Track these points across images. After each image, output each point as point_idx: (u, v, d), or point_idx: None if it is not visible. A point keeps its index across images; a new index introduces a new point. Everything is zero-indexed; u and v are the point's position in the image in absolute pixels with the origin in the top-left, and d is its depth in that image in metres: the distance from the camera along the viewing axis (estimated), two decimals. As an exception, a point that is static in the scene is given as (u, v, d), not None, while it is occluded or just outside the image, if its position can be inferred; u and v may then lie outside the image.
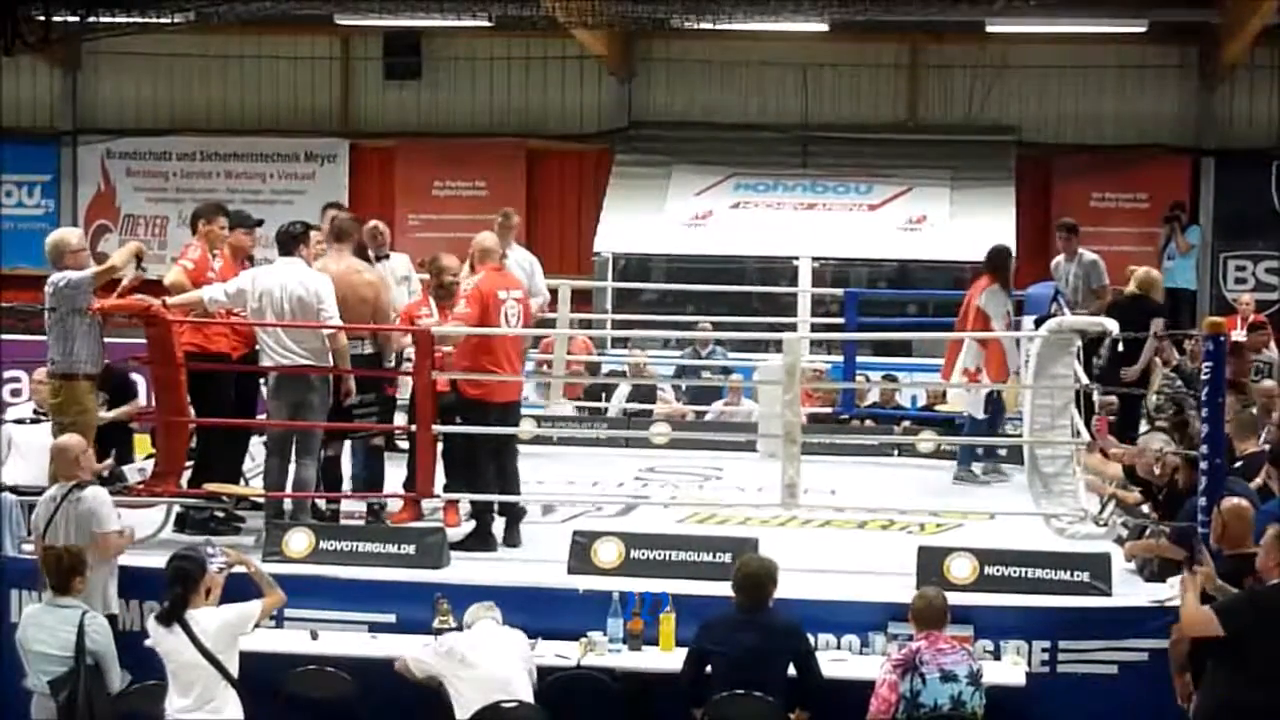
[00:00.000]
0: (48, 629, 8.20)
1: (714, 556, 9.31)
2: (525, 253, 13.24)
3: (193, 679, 7.86)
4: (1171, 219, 19.82)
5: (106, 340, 9.99)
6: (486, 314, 10.23)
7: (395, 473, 10.96)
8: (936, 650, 7.98)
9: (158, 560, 9.05)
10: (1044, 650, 8.76)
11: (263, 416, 10.73)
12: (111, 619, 8.75)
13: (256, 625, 8.33)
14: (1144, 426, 12.59)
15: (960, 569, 9.17)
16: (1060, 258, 14.46)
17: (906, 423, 14.93)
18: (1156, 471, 10.03)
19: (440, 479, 10.70)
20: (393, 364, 11.12)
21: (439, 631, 8.65)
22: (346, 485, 10.95)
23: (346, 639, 9.02)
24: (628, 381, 15.47)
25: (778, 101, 21.49)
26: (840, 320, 15.67)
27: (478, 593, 8.82)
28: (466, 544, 10.04)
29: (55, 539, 8.71)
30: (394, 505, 10.77)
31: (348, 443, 10.94)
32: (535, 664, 8.48)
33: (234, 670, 7.94)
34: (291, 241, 10.26)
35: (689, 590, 8.98)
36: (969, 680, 7.94)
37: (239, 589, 8.45)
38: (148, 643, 8.46)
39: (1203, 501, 8.78)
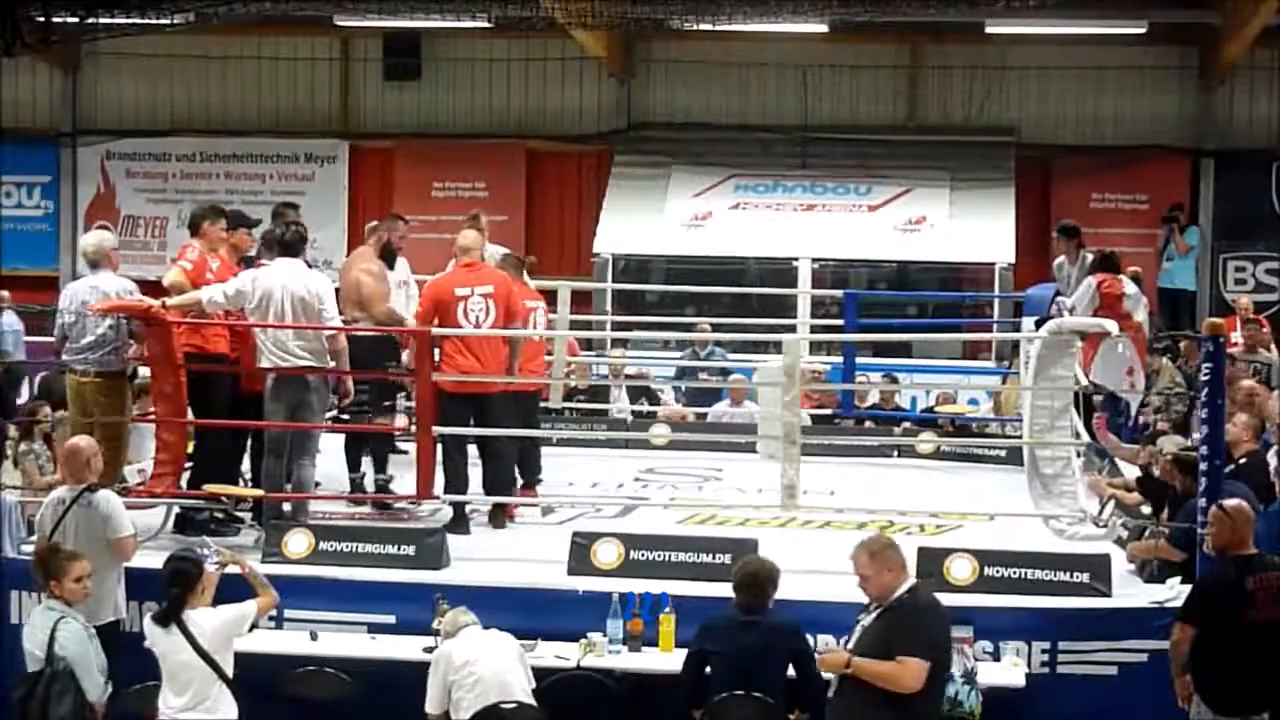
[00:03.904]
0: (37, 629, 8.23)
1: (714, 558, 9.31)
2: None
3: (189, 679, 7.88)
4: (1170, 220, 19.83)
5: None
6: (438, 310, 10.59)
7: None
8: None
9: (158, 561, 9.05)
10: (1044, 651, 8.74)
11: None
12: (116, 624, 8.76)
13: (253, 626, 8.34)
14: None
15: (960, 570, 9.17)
16: (1063, 259, 14.41)
17: (906, 424, 14.92)
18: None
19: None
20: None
21: (438, 633, 8.64)
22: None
23: (346, 640, 9.00)
24: (630, 383, 15.45)
25: (777, 102, 21.48)
26: (840, 321, 15.67)
27: (477, 594, 8.82)
28: (445, 529, 10.11)
29: (64, 542, 8.67)
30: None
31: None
32: (530, 663, 8.45)
33: (229, 670, 7.96)
34: (299, 244, 10.33)
35: (689, 591, 8.97)
36: (964, 679, 7.93)
37: (232, 587, 8.44)
38: (146, 644, 8.46)
39: (1202, 502, 8.78)
